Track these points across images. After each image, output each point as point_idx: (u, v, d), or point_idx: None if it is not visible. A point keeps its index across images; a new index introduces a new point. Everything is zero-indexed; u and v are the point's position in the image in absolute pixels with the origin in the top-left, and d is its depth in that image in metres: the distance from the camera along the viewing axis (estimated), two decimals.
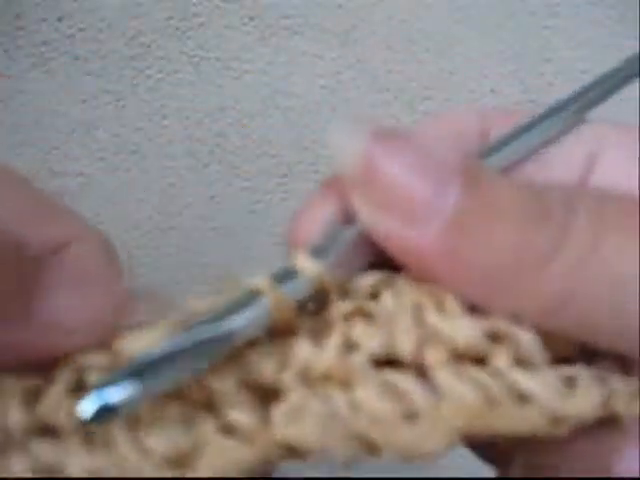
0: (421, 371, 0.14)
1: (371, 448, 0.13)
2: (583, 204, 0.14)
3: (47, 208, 0.19)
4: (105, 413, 0.12)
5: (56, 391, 0.14)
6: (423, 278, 0.15)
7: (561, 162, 0.18)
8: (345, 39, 0.49)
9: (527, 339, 0.14)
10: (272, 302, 0.13)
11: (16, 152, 0.48)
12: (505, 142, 0.17)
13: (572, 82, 0.53)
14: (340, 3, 0.49)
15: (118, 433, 0.13)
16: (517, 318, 0.14)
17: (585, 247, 0.14)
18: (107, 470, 0.13)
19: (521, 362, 0.14)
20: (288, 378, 0.14)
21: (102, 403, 0.12)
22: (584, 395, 0.14)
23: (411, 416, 0.13)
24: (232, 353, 0.14)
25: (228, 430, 0.13)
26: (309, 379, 0.14)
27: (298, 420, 0.13)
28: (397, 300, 0.14)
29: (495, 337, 0.14)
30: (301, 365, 0.14)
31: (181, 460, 0.13)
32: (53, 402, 0.14)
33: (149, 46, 0.48)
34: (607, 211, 0.14)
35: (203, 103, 0.49)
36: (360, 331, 0.14)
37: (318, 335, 0.14)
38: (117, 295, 0.16)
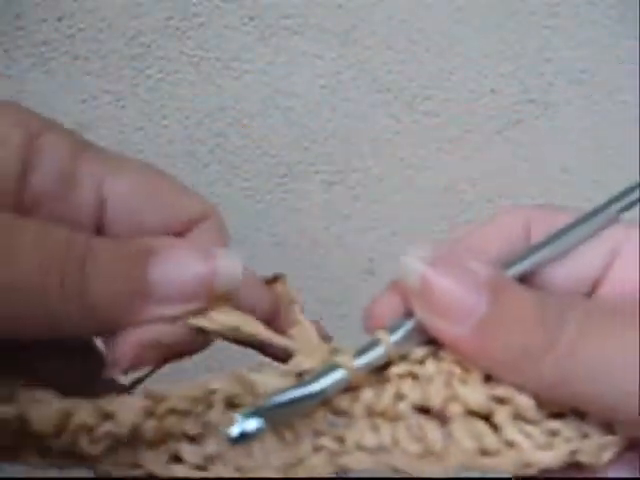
0: (444, 419, 0.21)
1: (396, 470, 0.20)
2: (574, 313, 0.20)
3: (180, 193, 0.25)
4: (242, 438, 0.19)
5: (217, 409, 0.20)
6: (459, 358, 0.21)
7: (585, 257, 0.23)
8: (345, 39, 0.49)
9: (524, 401, 0.20)
10: (350, 374, 0.21)
11: None
12: (533, 249, 0.22)
13: (572, 82, 0.53)
14: (340, 3, 0.49)
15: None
16: (521, 388, 0.20)
17: (572, 345, 0.19)
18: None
19: (520, 417, 0.20)
20: (358, 410, 0.21)
21: (243, 430, 0.19)
22: (557, 449, 0.20)
23: (428, 452, 0.20)
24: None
25: (317, 449, 0.20)
26: (371, 413, 0.21)
27: (359, 452, 0.20)
28: (436, 367, 0.21)
29: (501, 400, 0.21)
30: (368, 403, 0.21)
31: (290, 465, 0.20)
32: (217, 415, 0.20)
33: (149, 46, 0.48)
34: (592, 320, 0.20)
35: (203, 103, 0.49)
36: (408, 387, 0.21)
37: (379, 386, 0.21)
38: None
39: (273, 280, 0.26)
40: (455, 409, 0.21)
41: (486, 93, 0.51)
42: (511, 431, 0.20)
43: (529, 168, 0.53)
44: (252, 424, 0.19)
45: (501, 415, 0.20)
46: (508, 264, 0.22)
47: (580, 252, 0.23)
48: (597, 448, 0.20)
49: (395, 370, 0.21)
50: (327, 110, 0.50)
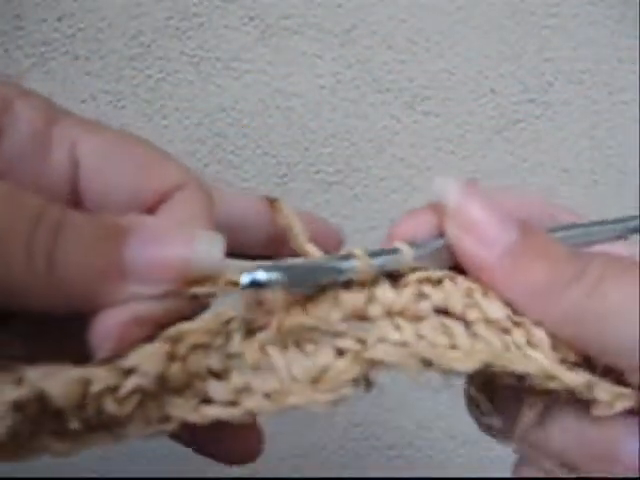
0: (467, 324, 0.21)
1: (426, 364, 0.19)
2: (599, 258, 0.21)
3: (156, 159, 0.23)
4: (255, 286, 0.19)
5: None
6: (483, 284, 0.22)
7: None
8: (345, 39, 0.49)
9: (538, 333, 0.21)
10: (362, 265, 0.20)
11: None
12: (565, 227, 0.23)
13: (572, 82, 0.53)
14: (340, 3, 0.49)
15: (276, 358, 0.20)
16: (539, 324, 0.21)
17: (593, 283, 0.20)
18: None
19: (532, 345, 0.21)
20: (375, 311, 0.20)
21: (254, 278, 0.19)
22: (573, 374, 0.20)
23: (454, 347, 0.20)
24: (334, 294, 0.21)
25: (340, 353, 0.20)
26: (390, 313, 0.21)
27: (383, 344, 0.20)
28: (454, 286, 0.21)
29: (517, 324, 0.21)
30: (386, 302, 0.21)
31: (316, 377, 0.19)
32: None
33: (149, 46, 0.48)
34: (614, 267, 0.21)
35: (203, 103, 0.49)
36: (429, 289, 0.21)
37: (398, 287, 0.21)
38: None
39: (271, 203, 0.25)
40: (475, 315, 0.21)
41: (486, 93, 0.51)
42: (530, 350, 0.21)
43: (529, 168, 0.53)
44: (264, 275, 0.19)
45: (517, 335, 0.21)
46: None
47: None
48: (611, 392, 0.20)
49: (414, 276, 0.21)
50: (327, 110, 0.50)
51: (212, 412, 0.19)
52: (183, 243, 0.20)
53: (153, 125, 0.49)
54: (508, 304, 0.21)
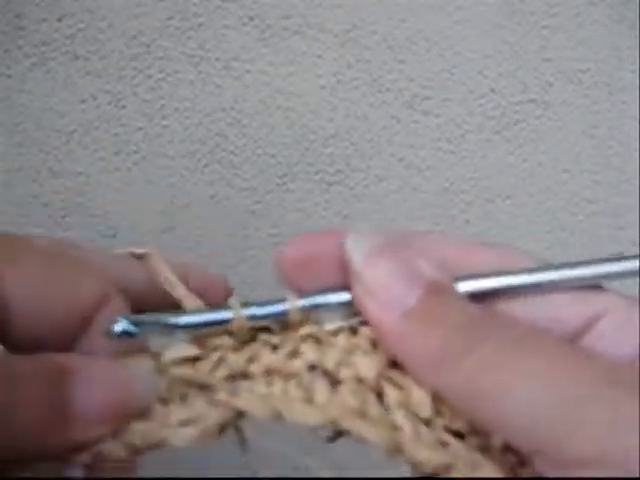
0: (338, 382, 0.21)
1: (278, 415, 0.20)
2: (497, 329, 0.20)
3: (71, 276, 0.23)
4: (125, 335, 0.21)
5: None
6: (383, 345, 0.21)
7: (564, 311, 0.22)
8: (345, 39, 0.49)
9: (419, 395, 0.20)
10: (236, 318, 0.22)
11: (16, 152, 0.49)
12: (500, 273, 0.22)
13: (572, 82, 0.53)
14: (340, 3, 0.49)
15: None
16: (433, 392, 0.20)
17: (486, 357, 0.19)
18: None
19: (413, 413, 0.20)
20: (255, 369, 0.21)
21: (125, 329, 0.21)
22: (429, 452, 0.20)
23: (310, 401, 0.21)
24: (222, 353, 0.22)
25: (214, 404, 0.21)
26: (268, 371, 0.21)
27: (248, 395, 0.21)
28: (346, 341, 0.22)
29: (397, 385, 0.21)
30: (263, 362, 0.21)
31: (188, 421, 0.21)
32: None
33: (149, 46, 0.48)
34: (511, 335, 0.20)
35: (203, 103, 0.49)
36: (307, 347, 0.22)
37: (284, 339, 0.22)
38: None
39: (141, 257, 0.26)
40: (346, 373, 0.21)
41: (486, 93, 0.51)
42: (399, 414, 0.20)
43: (529, 168, 0.53)
44: (132, 328, 0.21)
45: (391, 397, 0.21)
46: (464, 277, 0.22)
47: (559, 304, 0.22)
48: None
49: (300, 331, 0.22)
50: (327, 110, 0.50)
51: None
52: (122, 386, 0.21)
53: (153, 125, 0.49)
54: (396, 364, 0.21)
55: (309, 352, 0.21)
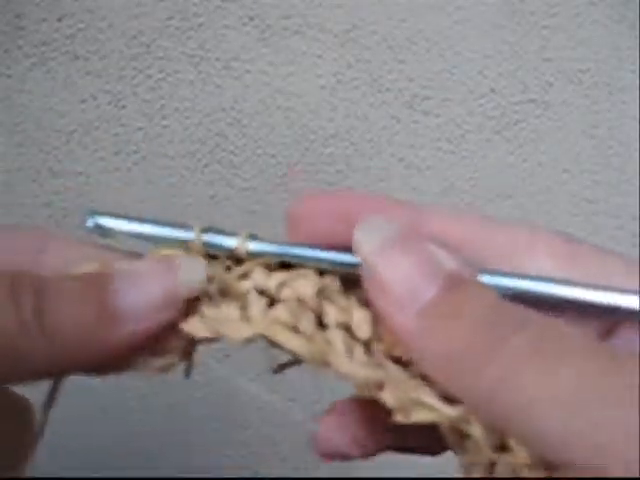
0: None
1: (216, 333, 0.21)
2: (527, 332, 0.18)
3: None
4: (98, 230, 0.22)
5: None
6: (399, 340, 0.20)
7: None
8: (345, 39, 0.49)
9: (359, 316, 0.21)
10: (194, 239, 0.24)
11: (16, 152, 0.49)
12: (520, 275, 0.21)
13: (572, 82, 0.53)
14: (340, 3, 0.49)
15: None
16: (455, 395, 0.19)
17: (508, 365, 0.17)
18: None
19: (352, 334, 0.21)
20: (212, 289, 0.22)
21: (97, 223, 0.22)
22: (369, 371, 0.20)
23: (245, 318, 0.21)
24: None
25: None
26: (223, 292, 0.22)
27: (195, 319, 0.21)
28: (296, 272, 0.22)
29: (338, 306, 0.21)
30: (220, 281, 0.22)
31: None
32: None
33: (149, 46, 0.48)
34: (535, 343, 0.17)
35: (203, 103, 0.49)
36: (256, 272, 0.22)
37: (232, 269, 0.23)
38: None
39: None
40: (287, 293, 0.21)
41: (486, 93, 0.51)
42: (333, 333, 0.20)
43: (529, 168, 0.53)
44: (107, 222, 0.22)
45: (330, 316, 0.21)
46: (488, 271, 0.21)
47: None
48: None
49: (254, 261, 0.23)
50: (327, 110, 0.50)
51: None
52: (165, 276, 0.21)
53: (153, 125, 0.49)
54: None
55: (256, 275, 0.22)
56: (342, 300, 0.21)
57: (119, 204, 0.50)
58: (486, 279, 0.20)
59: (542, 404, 0.16)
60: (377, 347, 0.20)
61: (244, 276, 0.22)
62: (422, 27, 0.50)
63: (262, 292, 0.21)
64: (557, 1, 0.50)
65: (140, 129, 0.49)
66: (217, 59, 0.49)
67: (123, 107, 0.49)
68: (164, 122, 0.49)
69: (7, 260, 0.21)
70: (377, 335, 0.20)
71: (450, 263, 0.19)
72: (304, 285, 0.21)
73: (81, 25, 0.47)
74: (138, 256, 0.22)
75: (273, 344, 0.21)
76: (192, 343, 0.21)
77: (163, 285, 0.20)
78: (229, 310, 0.21)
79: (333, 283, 0.21)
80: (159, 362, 0.21)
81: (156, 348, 0.21)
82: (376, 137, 0.51)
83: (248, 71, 0.49)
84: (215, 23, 0.48)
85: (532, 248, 0.21)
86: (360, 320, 0.20)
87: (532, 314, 0.18)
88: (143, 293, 0.20)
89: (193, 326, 0.21)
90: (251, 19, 0.48)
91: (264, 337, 0.20)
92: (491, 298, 0.19)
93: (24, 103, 0.48)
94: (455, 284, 0.19)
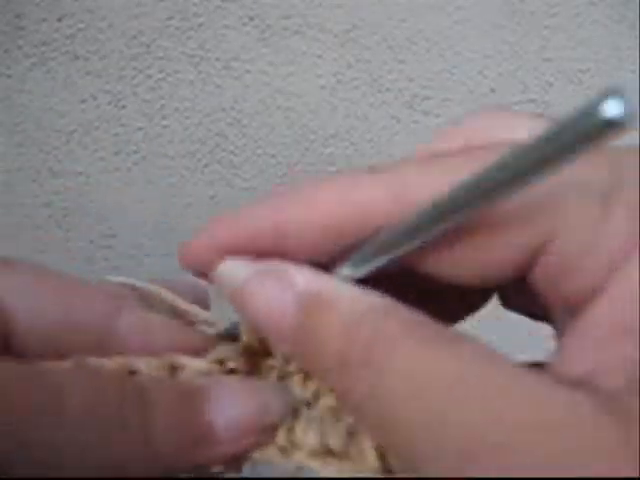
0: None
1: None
2: (388, 327, 0.17)
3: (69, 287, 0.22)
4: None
5: None
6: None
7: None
8: (345, 39, 0.49)
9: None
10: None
11: (17, 152, 0.49)
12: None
13: (572, 82, 0.53)
14: (340, 3, 0.49)
15: None
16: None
17: (381, 366, 0.17)
18: None
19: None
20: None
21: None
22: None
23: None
24: None
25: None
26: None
27: None
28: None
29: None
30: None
31: None
32: None
33: (149, 46, 0.48)
34: (403, 341, 0.17)
35: (203, 103, 0.49)
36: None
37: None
38: None
39: None
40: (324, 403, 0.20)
41: (486, 93, 0.51)
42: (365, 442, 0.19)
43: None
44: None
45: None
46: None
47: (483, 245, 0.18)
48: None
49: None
50: (327, 110, 0.50)
51: None
52: (254, 400, 0.20)
53: (153, 125, 0.49)
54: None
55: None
56: None
57: (119, 204, 0.50)
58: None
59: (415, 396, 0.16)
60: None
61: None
62: (422, 27, 0.50)
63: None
64: (557, 1, 0.50)
65: (140, 129, 0.49)
66: (217, 59, 0.49)
67: (123, 107, 0.49)
68: (164, 122, 0.49)
69: (82, 325, 0.21)
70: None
71: (302, 281, 0.19)
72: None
73: (81, 25, 0.47)
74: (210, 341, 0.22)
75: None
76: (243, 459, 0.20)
77: (252, 411, 0.20)
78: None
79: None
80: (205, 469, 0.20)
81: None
82: (376, 137, 0.51)
83: (248, 71, 0.49)
84: (215, 23, 0.48)
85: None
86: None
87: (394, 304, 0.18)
88: (236, 416, 0.20)
89: (268, 454, 0.20)
90: (251, 19, 0.48)
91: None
92: (348, 307, 0.18)
93: (24, 103, 0.48)
94: (312, 304, 0.18)
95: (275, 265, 0.19)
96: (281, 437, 0.20)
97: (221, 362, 0.21)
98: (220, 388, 0.20)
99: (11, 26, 0.46)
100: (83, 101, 0.48)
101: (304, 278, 0.19)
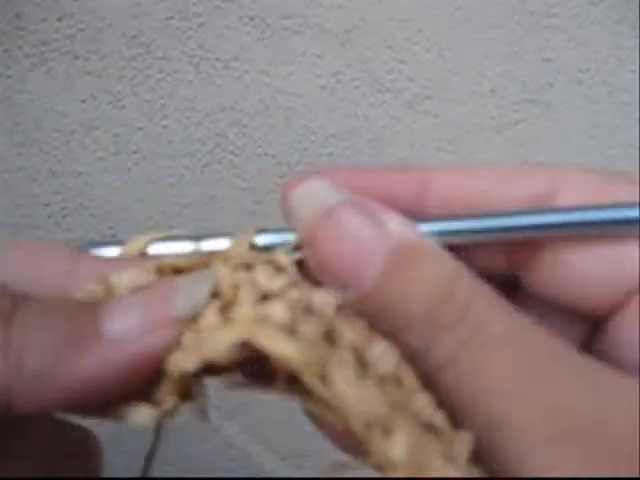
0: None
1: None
2: (482, 298, 0.17)
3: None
4: None
5: None
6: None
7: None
8: (345, 39, 0.49)
9: (380, 347, 0.17)
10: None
11: (16, 152, 0.49)
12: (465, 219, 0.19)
13: (572, 82, 0.53)
14: (340, 3, 0.49)
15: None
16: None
17: (471, 332, 0.16)
18: None
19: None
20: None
21: None
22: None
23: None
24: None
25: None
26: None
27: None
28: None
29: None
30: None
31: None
32: None
33: (149, 46, 0.48)
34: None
35: (203, 103, 0.49)
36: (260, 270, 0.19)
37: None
38: None
39: None
40: (293, 296, 0.18)
41: (486, 93, 0.51)
42: (344, 351, 0.16)
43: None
44: None
45: (345, 336, 0.17)
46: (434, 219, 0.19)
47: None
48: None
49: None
50: (327, 110, 0.50)
51: None
52: (160, 301, 0.18)
53: (153, 125, 0.49)
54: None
55: (259, 272, 0.18)
56: (361, 326, 0.17)
57: (119, 204, 0.50)
58: (433, 227, 0.19)
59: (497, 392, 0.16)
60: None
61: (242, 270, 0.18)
62: (422, 27, 0.50)
63: (264, 297, 0.18)
64: (557, 1, 0.50)
65: (140, 129, 0.49)
66: (217, 59, 0.49)
67: (123, 107, 0.49)
68: (164, 122, 0.49)
69: (36, 283, 0.19)
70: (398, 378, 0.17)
71: (397, 229, 0.17)
72: (321, 296, 0.17)
73: (81, 25, 0.47)
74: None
75: (256, 362, 0.17)
76: (185, 380, 0.17)
77: (152, 312, 0.17)
78: (208, 316, 0.17)
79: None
80: (151, 411, 0.17)
81: (149, 395, 0.17)
82: (376, 137, 0.51)
83: (248, 71, 0.49)
84: (215, 23, 0.48)
85: (555, 192, 0.20)
86: (381, 353, 0.17)
87: (472, 281, 0.17)
88: (127, 321, 0.17)
89: (175, 359, 0.17)
90: (251, 19, 0.48)
91: (249, 346, 0.16)
92: (447, 267, 0.17)
93: (24, 103, 0.48)
94: (403, 256, 0.17)
95: (371, 202, 0.18)
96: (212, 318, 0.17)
97: (162, 270, 0.19)
98: (117, 300, 0.18)
99: (11, 26, 0.46)
100: (83, 101, 0.48)
101: (399, 227, 0.17)
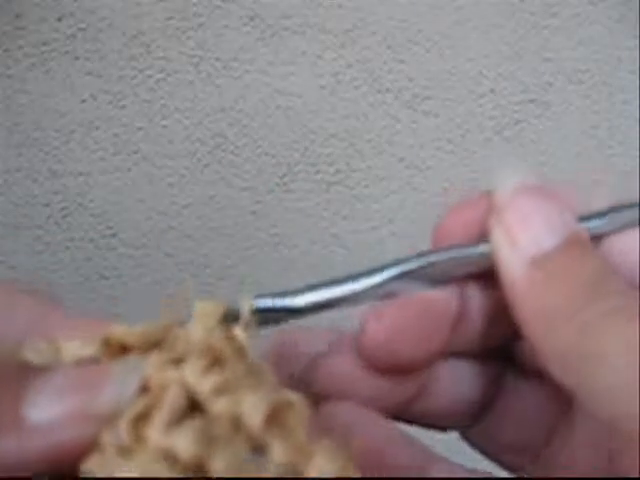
0: None
1: None
2: (614, 293, 0.19)
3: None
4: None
5: None
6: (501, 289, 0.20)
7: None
8: (345, 39, 0.49)
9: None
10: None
11: (16, 152, 0.49)
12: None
13: (572, 82, 0.53)
14: (340, 3, 0.49)
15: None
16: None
17: (590, 320, 0.18)
18: None
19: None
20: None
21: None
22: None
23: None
24: None
25: None
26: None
27: None
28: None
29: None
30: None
31: None
32: None
33: (149, 46, 0.48)
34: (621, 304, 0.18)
35: (203, 103, 0.49)
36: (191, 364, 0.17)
37: None
38: None
39: None
40: (220, 407, 0.16)
41: (486, 93, 0.51)
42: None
43: (529, 168, 0.53)
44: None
45: (276, 454, 0.15)
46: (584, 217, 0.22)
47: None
48: None
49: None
50: (327, 110, 0.50)
51: None
52: (89, 390, 0.17)
53: (153, 125, 0.49)
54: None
55: (189, 367, 0.17)
56: (299, 439, 0.15)
57: (119, 204, 0.50)
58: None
59: (607, 361, 0.17)
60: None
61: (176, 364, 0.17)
62: (422, 27, 0.50)
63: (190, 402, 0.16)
64: (557, 1, 0.50)
65: (140, 129, 0.49)
66: (217, 59, 0.49)
67: (123, 107, 0.49)
68: (164, 122, 0.49)
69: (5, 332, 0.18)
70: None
71: (574, 223, 0.20)
72: (252, 403, 0.15)
73: (81, 25, 0.47)
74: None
75: None
76: None
77: (77, 402, 0.17)
78: (124, 425, 0.16)
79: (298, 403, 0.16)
80: None
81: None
82: (376, 137, 0.51)
83: (248, 71, 0.49)
84: (215, 23, 0.48)
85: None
86: (325, 468, 0.15)
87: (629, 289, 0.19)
88: (51, 409, 0.16)
89: (92, 463, 0.16)
90: (251, 19, 0.48)
91: None
92: (599, 263, 0.20)
93: (24, 103, 0.48)
94: (574, 243, 0.20)
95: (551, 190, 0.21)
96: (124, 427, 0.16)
97: (109, 342, 0.18)
98: (44, 380, 0.17)
99: (11, 26, 0.46)
100: (83, 101, 0.48)
101: (570, 217, 0.20)
